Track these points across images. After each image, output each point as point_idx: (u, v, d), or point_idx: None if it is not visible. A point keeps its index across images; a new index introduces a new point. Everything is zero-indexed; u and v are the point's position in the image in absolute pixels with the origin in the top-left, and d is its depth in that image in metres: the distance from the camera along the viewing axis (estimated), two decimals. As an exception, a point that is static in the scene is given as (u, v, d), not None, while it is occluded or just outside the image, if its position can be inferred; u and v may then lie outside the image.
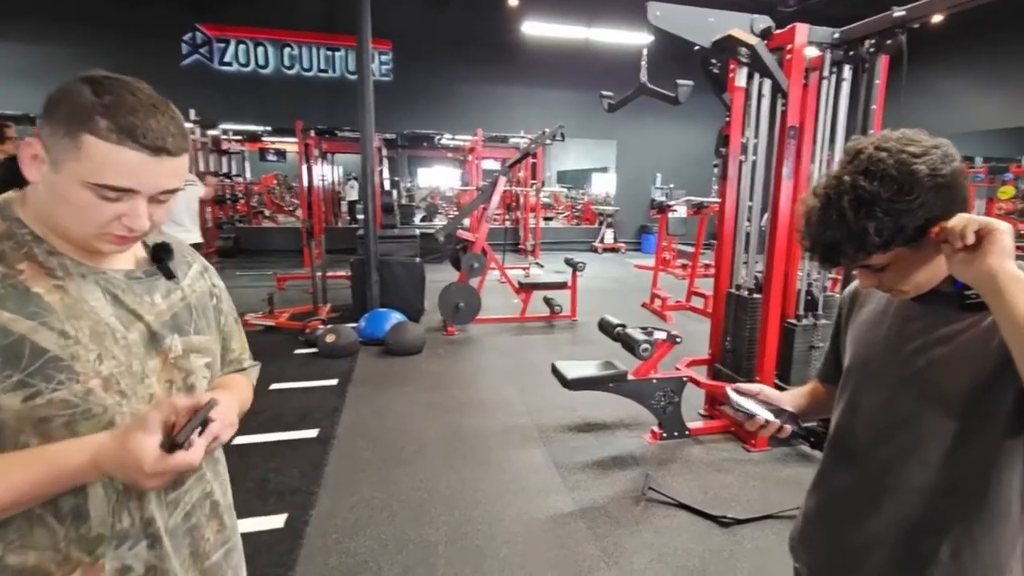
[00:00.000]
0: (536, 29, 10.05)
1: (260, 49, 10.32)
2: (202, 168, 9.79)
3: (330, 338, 4.56)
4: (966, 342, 0.79)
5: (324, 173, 10.91)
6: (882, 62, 2.94)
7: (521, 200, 11.51)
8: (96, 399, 0.70)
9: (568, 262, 5.86)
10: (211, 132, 9.94)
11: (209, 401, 0.72)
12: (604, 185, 15.07)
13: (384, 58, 10.72)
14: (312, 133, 9.26)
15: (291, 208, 13.69)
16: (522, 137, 10.40)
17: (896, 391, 0.86)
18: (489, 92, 11.35)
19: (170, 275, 0.83)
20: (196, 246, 5.23)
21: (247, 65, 10.29)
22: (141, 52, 9.59)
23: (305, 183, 9.05)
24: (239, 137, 11.53)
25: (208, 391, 0.84)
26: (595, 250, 12.05)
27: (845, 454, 0.95)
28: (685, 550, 2.27)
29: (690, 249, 7.21)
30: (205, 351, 0.86)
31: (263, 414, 3.41)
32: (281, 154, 12.67)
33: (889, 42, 2.85)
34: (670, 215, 7.01)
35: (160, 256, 0.83)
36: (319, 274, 5.66)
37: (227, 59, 10.20)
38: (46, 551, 0.70)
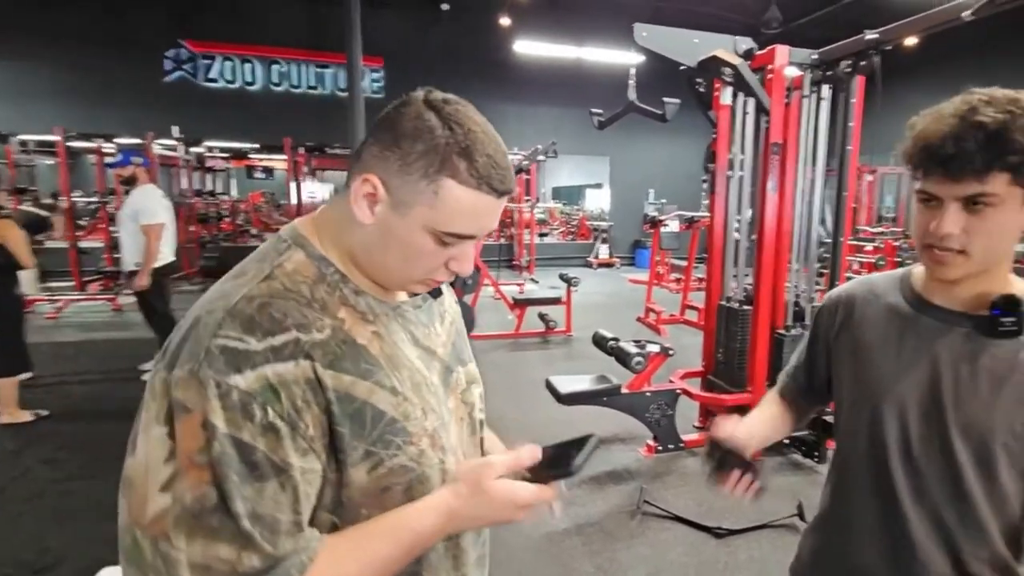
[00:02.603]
0: (528, 48, 10.34)
1: (247, 66, 10.53)
2: (184, 186, 9.89)
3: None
4: (1001, 374, 0.78)
5: (314, 190, 11.06)
6: (858, 82, 3.13)
7: (515, 216, 11.69)
8: (427, 460, 0.66)
9: (563, 277, 5.99)
10: (195, 149, 10.06)
11: (594, 436, 0.67)
12: (598, 200, 15.31)
13: (375, 75, 10.95)
14: (301, 150, 9.41)
15: (279, 226, 13.74)
16: (515, 154, 10.60)
17: (920, 424, 0.83)
18: (482, 109, 11.02)
19: (437, 295, 0.78)
20: (169, 266, 5.27)
21: (233, 82, 10.48)
22: (122, 68, 9.76)
23: (294, 200, 9.16)
24: (225, 155, 11.66)
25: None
26: (590, 265, 12.22)
27: (856, 492, 0.91)
28: (680, 563, 2.37)
29: (683, 263, 7.38)
30: (478, 380, 0.81)
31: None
32: (269, 172, 12.78)
33: (863, 63, 3.03)
34: (662, 230, 7.19)
35: None
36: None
37: (212, 75, 10.39)
38: None
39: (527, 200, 11.24)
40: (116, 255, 5.38)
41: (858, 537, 0.92)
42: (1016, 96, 0.73)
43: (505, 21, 10.26)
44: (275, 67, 10.63)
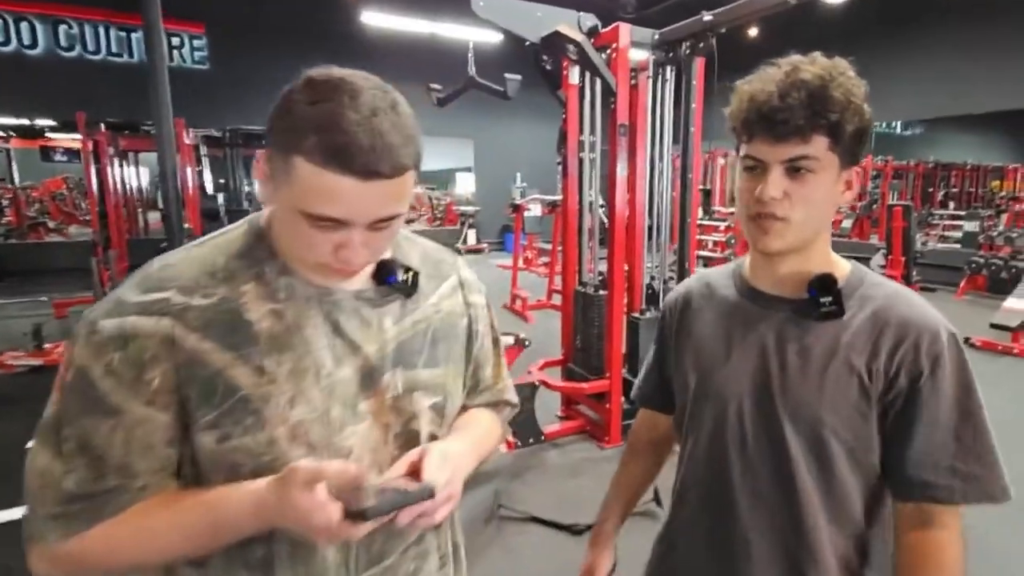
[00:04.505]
0: (377, 20, 9.84)
1: (24, 25, 8.86)
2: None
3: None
4: (824, 357, 0.78)
5: (127, 175, 9.71)
6: (698, 64, 3.28)
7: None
8: (279, 451, 0.65)
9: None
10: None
11: (423, 488, 0.62)
12: (468, 185, 15.24)
13: (197, 43, 9.81)
14: (103, 128, 8.17)
15: (88, 218, 12.01)
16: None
17: (755, 418, 0.83)
18: None
19: (410, 292, 0.76)
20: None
21: (6, 44, 8.79)
22: None
23: (96, 187, 7.97)
24: (1, 133, 9.85)
25: (441, 439, 0.76)
26: (458, 252, 12.09)
27: (696, 498, 0.91)
28: (538, 567, 2.33)
29: (550, 247, 7.53)
30: (434, 389, 0.77)
31: (14, 481, 2.91)
32: (74, 153, 11.06)
33: (702, 45, 3.19)
34: (525, 214, 7.26)
35: (384, 275, 0.73)
36: (115, 297, 5.00)
37: (-25, 35, 8.66)
38: None
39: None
40: None
41: (696, 549, 0.91)
42: (835, 61, 0.76)
43: (346, -14, 9.67)
44: (63, 28, 9.06)
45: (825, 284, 0.79)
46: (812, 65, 0.74)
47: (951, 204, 14.39)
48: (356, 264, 0.66)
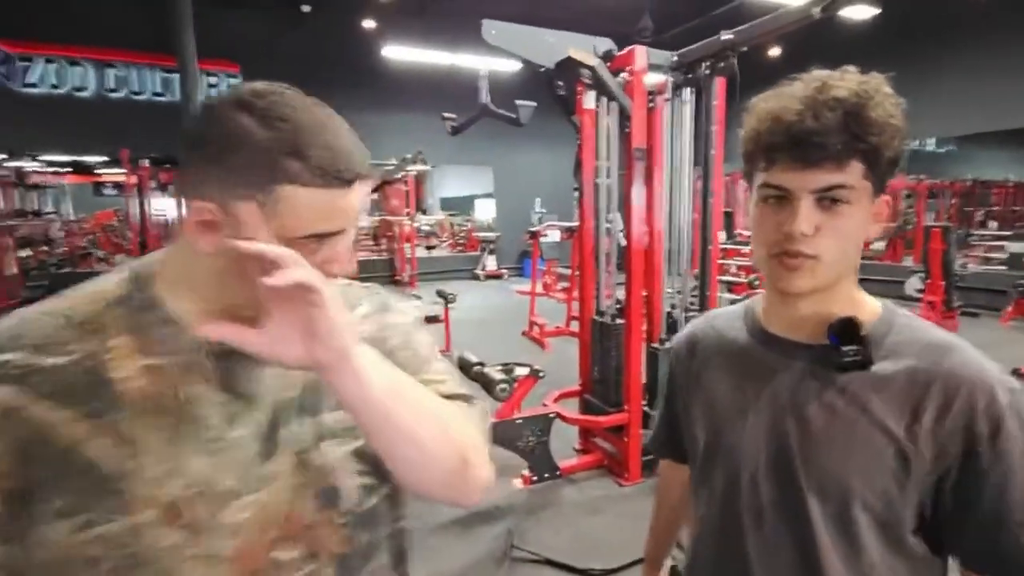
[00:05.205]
0: (398, 53, 10.02)
1: (77, 69, 9.30)
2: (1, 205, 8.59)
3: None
4: (850, 416, 0.67)
5: (167, 207, 10.04)
6: (719, 84, 3.14)
7: (396, 229, 11.29)
8: (149, 539, 0.53)
9: (439, 294, 5.72)
10: (13, 163, 8.75)
11: None
12: (488, 211, 15.31)
13: (233, 81, 10.15)
14: (146, 163, 8.49)
15: (132, 247, 12.50)
16: (392, 165, 10.25)
17: (772, 487, 0.72)
18: (352, 118, 10.78)
19: None
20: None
21: (60, 87, 9.23)
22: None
23: (138, 219, 8.24)
24: (52, 169, 10.29)
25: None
26: (478, 277, 12.11)
27: (716, 571, 0.80)
28: (551, 614, 2.15)
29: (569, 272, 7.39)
30: (347, 432, 0.63)
31: None
32: (122, 187, 11.56)
33: (722, 64, 3.05)
34: (542, 240, 7.18)
35: None
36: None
37: (32, 80, 9.06)
38: None
39: (407, 212, 10.92)
40: None
41: None
42: (870, 77, 0.66)
43: (369, 24, 9.91)
44: (111, 71, 9.47)
45: (847, 329, 0.67)
46: (844, 81, 0.65)
47: (993, 224, 13.71)
48: (344, 273, 0.60)
